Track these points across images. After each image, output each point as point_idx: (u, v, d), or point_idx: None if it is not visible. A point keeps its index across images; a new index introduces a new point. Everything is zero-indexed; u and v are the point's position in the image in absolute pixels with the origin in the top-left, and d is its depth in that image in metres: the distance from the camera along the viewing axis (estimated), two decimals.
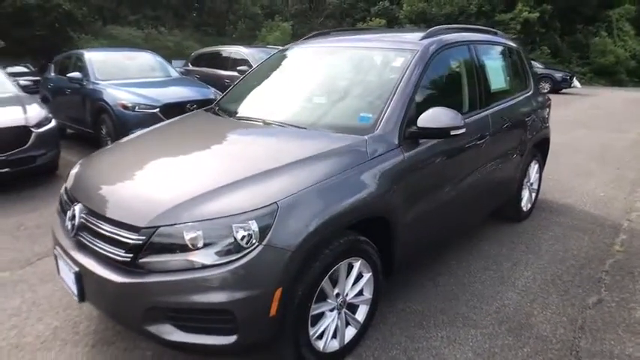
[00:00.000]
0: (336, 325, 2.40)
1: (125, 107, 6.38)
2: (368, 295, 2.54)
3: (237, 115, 3.20)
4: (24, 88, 6.75)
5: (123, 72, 7.55)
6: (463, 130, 2.61)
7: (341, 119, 2.79)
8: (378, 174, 2.41)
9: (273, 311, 2.00)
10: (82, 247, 2.21)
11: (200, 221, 1.96)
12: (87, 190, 2.39)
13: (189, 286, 1.94)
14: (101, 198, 2.27)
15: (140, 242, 1.98)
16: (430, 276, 3.29)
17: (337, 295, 2.34)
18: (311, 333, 2.22)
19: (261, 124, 2.91)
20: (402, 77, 2.75)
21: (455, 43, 3.29)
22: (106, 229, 2.10)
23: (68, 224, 2.30)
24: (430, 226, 2.93)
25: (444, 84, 3.20)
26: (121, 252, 2.02)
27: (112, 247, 2.06)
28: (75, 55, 7.91)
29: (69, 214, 2.31)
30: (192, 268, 1.95)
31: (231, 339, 1.99)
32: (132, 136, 3.29)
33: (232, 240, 1.95)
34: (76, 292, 2.22)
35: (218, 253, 1.95)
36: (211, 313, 1.96)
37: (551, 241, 3.93)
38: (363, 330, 2.58)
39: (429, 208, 2.81)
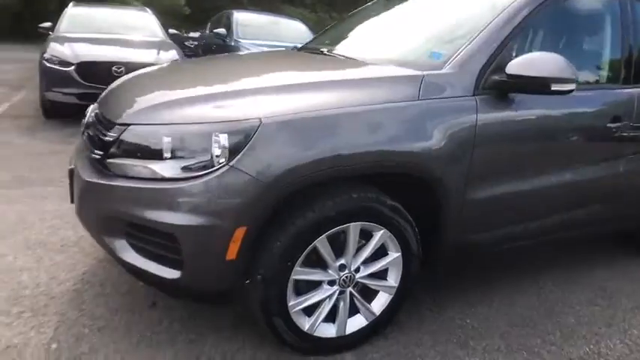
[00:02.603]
0: (336, 306, 1.85)
1: None
2: (392, 281, 1.93)
3: (303, 48, 2.81)
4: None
5: (266, 34, 7.67)
6: (572, 87, 1.80)
7: (412, 55, 2.16)
8: (425, 121, 1.77)
9: (231, 254, 1.55)
10: (82, 146, 2.05)
11: (168, 124, 1.61)
12: (105, 97, 2.23)
13: (144, 198, 1.60)
14: (109, 101, 2.08)
15: (110, 140, 1.71)
16: (506, 291, 2.47)
17: (341, 267, 1.79)
18: (291, 302, 1.72)
19: (318, 54, 2.46)
20: (499, 15, 2.00)
21: None
22: (97, 126, 1.90)
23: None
24: (505, 218, 2.14)
25: (570, 39, 2.34)
26: (97, 150, 1.79)
27: (94, 145, 1.85)
28: (226, 13, 8.35)
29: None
30: (153, 178, 1.60)
31: (175, 274, 1.61)
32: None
33: (200, 154, 1.56)
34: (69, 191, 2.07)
35: (182, 167, 1.57)
36: (158, 236, 1.59)
37: None
38: (379, 325, 1.98)
39: (508, 193, 2.03)
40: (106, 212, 1.70)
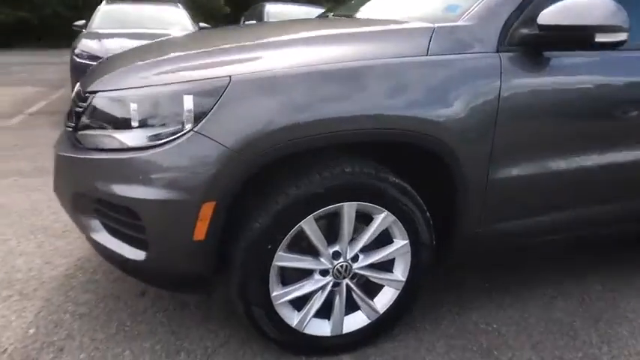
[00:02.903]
0: (330, 300, 1.61)
1: None
2: (399, 274, 1.66)
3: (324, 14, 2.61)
4: None
5: None
6: (622, 37, 1.47)
7: (426, 12, 1.88)
8: (435, 81, 1.49)
9: (199, 234, 1.35)
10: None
11: (134, 88, 1.43)
12: (89, 71, 2.08)
13: (107, 171, 1.44)
14: (90, 74, 1.94)
15: (80, 110, 1.57)
16: (543, 293, 2.12)
17: (336, 254, 1.55)
18: (275, 292, 1.50)
19: (322, 18, 2.25)
20: None
21: None
22: (74, 100, 1.77)
23: None
24: (538, 204, 1.79)
25: None
26: (70, 123, 1.66)
27: (70, 119, 1.72)
28: (259, 6, 8.38)
29: None
30: (119, 149, 1.44)
31: (140, 255, 1.43)
32: None
33: (167, 120, 1.37)
34: None
35: (149, 136, 1.39)
36: (122, 213, 1.42)
37: None
38: (384, 325, 1.71)
39: (540, 175, 1.70)
40: (76, 188, 1.56)
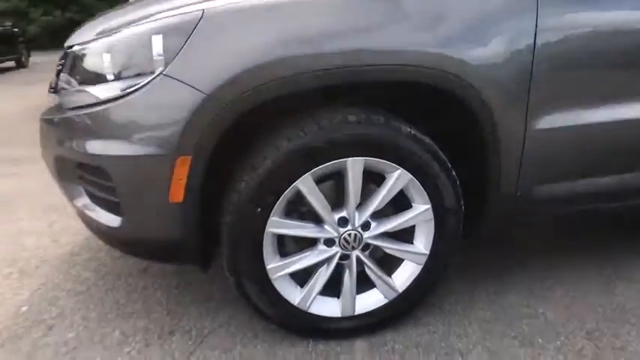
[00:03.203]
0: (339, 275, 1.39)
1: None
2: (421, 246, 1.41)
3: None
4: None
5: None
6: None
7: None
8: (462, 12, 1.23)
9: (175, 195, 1.17)
10: None
11: (106, 36, 1.27)
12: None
13: (81, 129, 1.29)
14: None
15: (60, 68, 1.43)
16: (601, 272, 1.79)
17: (342, 221, 1.32)
18: (271, 264, 1.29)
19: None
20: None
21: None
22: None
23: None
24: (590, 162, 1.48)
25: None
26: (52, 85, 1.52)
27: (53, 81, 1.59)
28: None
29: None
30: (94, 104, 1.27)
31: (115, 221, 1.26)
32: None
33: (142, 67, 1.19)
34: None
35: (123, 87, 1.22)
36: (97, 174, 1.26)
37: None
38: (405, 306, 1.47)
39: (593, 125, 1.39)
40: (56, 151, 1.42)
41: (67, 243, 2.09)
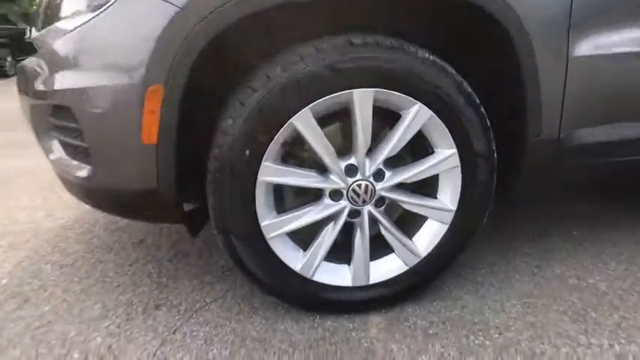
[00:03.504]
0: (349, 237, 1.17)
1: None
2: (446, 201, 1.18)
3: None
4: None
5: None
6: None
7: None
8: None
9: (148, 134, 0.98)
10: None
11: None
12: None
13: (49, 62, 1.12)
14: None
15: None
16: None
17: (350, 170, 1.10)
18: (266, 220, 1.08)
19: None
20: None
21: None
22: None
23: None
24: None
25: None
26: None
27: None
28: None
29: None
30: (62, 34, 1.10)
31: (85, 170, 1.08)
32: None
33: None
34: None
35: (89, 14, 1.03)
36: (63, 117, 1.08)
37: None
38: (428, 274, 1.24)
39: None
40: (31, 97, 1.25)
41: (60, 217, 1.94)
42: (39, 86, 1.13)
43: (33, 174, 2.52)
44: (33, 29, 1.38)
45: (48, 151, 1.26)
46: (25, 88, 1.27)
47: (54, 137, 1.23)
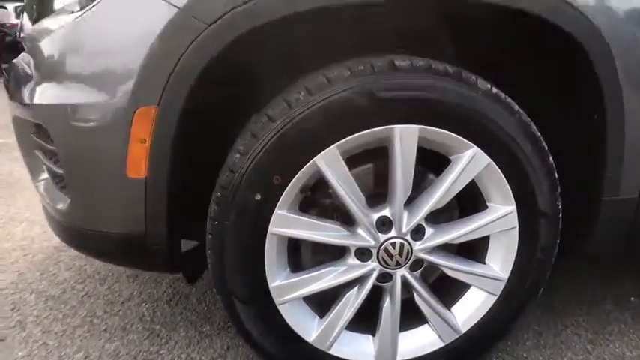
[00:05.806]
0: (376, 303, 0.96)
1: None
2: (496, 267, 0.95)
3: None
4: None
5: None
6: None
7: None
8: None
9: (135, 166, 0.78)
10: None
11: None
12: None
13: (25, 72, 0.95)
14: None
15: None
16: None
17: (384, 224, 0.89)
18: (276, 281, 0.87)
19: None
20: None
21: None
22: None
23: None
24: None
25: None
26: None
27: None
28: None
29: None
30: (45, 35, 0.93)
31: (64, 203, 0.90)
32: None
33: None
34: None
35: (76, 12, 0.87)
36: (41, 135, 0.91)
37: None
38: (468, 352, 1.02)
39: None
40: (13, 110, 1.09)
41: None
42: (23, 96, 0.96)
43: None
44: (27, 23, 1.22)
45: (33, 174, 1.09)
46: (12, 93, 1.11)
47: (37, 158, 1.06)
